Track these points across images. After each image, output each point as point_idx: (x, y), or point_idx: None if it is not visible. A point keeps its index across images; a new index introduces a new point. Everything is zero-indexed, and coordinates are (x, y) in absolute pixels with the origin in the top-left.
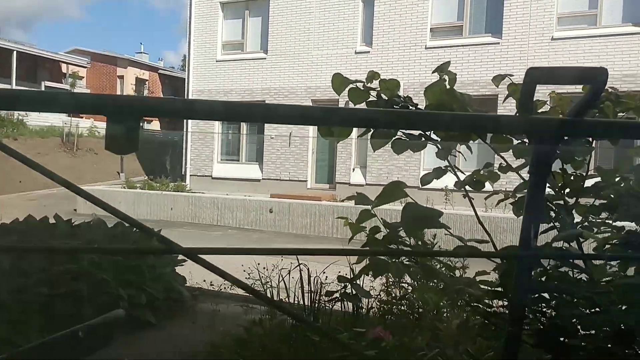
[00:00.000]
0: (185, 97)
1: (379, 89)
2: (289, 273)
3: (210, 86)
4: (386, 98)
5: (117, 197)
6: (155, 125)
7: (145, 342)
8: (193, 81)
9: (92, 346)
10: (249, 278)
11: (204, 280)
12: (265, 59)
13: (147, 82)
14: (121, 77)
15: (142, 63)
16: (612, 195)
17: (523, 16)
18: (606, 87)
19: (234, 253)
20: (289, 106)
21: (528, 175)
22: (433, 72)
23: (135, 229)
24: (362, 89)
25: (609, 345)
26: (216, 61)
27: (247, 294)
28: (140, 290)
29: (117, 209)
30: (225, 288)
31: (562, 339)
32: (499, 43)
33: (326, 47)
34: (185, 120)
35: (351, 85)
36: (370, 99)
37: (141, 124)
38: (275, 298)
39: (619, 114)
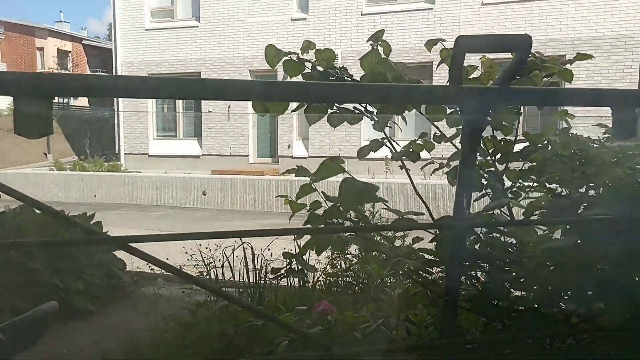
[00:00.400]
0: (114, 70)
1: (314, 59)
2: (233, 252)
3: (140, 57)
4: (322, 69)
5: (45, 180)
6: (83, 101)
7: (82, 332)
8: (121, 52)
9: (16, 346)
10: (190, 260)
11: (147, 264)
12: (197, 27)
13: (70, 54)
14: (41, 48)
15: (64, 33)
16: (539, 160)
17: None
18: (531, 52)
19: (168, 239)
20: (227, 81)
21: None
22: (367, 41)
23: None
24: (297, 60)
25: (536, 306)
26: (145, 30)
27: (198, 275)
28: (77, 277)
29: (27, 195)
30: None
31: (495, 302)
32: (432, 9)
33: (261, 14)
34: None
35: (285, 57)
36: (305, 71)
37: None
38: (220, 278)
39: (544, 79)
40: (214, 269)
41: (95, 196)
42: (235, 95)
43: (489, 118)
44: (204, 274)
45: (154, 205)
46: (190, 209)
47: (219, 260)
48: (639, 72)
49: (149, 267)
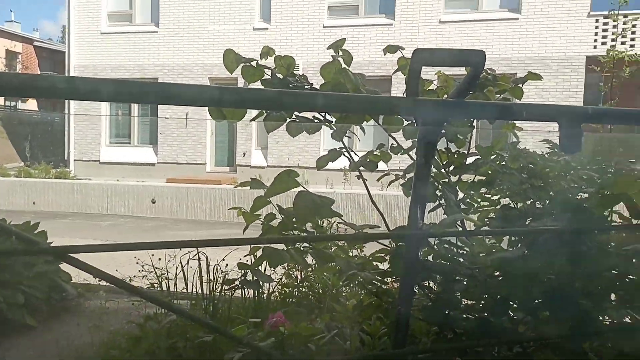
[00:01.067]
0: (67, 73)
1: (274, 66)
2: (188, 263)
3: (95, 61)
4: (281, 76)
5: None
6: (32, 104)
7: (21, 348)
8: (75, 55)
9: None
10: (142, 271)
11: (94, 277)
12: (157, 32)
13: (20, 56)
14: None
15: (14, 33)
16: (489, 172)
17: None
18: (485, 69)
19: (112, 250)
20: (186, 86)
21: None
22: (328, 49)
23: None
24: (256, 66)
25: (486, 315)
26: (101, 33)
27: (144, 288)
28: (16, 290)
29: None
30: (124, 279)
31: (447, 311)
32: (392, 24)
33: (223, 22)
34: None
35: (244, 63)
36: (265, 78)
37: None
38: (173, 290)
39: (496, 95)
40: (167, 280)
41: (34, 203)
42: (180, 100)
43: (443, 130)
44: (155, 285)
45: (104, 214)
46: (143, 218)
47: (173, 271)
48: (583, 92)
49: (97, 279)
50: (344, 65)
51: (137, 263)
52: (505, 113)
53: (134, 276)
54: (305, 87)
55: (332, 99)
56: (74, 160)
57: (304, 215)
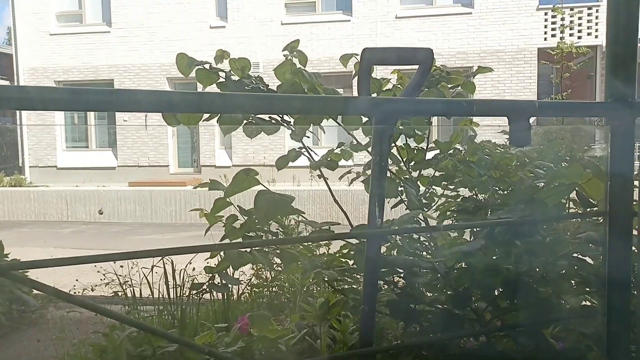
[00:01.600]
0: (16, 77)
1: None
2: (152, 268)
3: (45, 64)
4: (237, 79)
5: None
6: None
7: None
8: (23, 58)
9: None
10: (104, 279)
11: (54, 285)
12: (109, 32)
13: None
14: None
15: None
16: (449, 167)
17: None
18: (438, 65)
19: (58, 264)
20: (142, 91)
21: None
22: (283, 51)
23: None
24: (210, 69)
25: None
26: (50, 34)
27: (109, 295)
28: None
29: None
30: (80, 292)
31: (412, 305)
32: (349, 20)
33: (178, 20)
34: None
35: (198, 67)
36: (220, 80)
37: None
38: (137, 296)
39: (450, 90)
40: (131, 288)
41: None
42: (139, 106)
43: (401, 127)
44: (119, 293)
45: (64, 221)
46: (106, 223)
47: (136, 277)
48: (537, 83)
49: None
50: (299, 66)
51: (99, 272)
52: (456, 109)
53: (96, 285)
54: (261, 88)
55: (289, 101)
56: (30, 166)
57: (264, 214)
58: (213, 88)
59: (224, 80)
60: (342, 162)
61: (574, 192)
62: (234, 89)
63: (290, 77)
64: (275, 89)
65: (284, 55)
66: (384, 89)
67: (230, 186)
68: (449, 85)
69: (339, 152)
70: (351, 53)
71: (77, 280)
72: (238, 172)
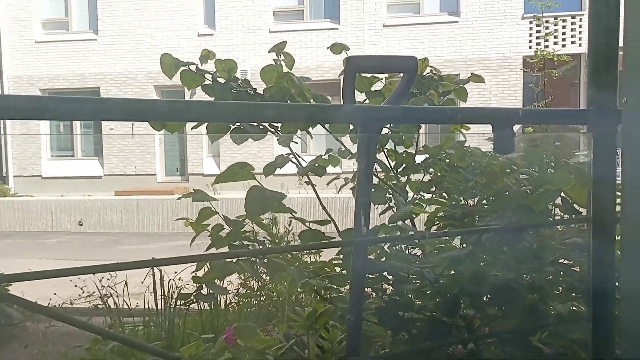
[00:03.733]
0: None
1: (215, 71)
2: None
3: (30, 72)
4: (223, 81)
5: None
6: None
7: None
8: (7, 66)
9: None
10: (83, 292)
11: (37, 296)
12: (96, 40)
13: None
14: None
15: None
16: (438, 173)
17: (357, 2)
18: (431, 70)
19: (41, 277)
20: (121, 100)
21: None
22: (269, 52)
23: None
24: (196, 71)
25: (437, 314)
26: (35, 42)
27: (88, 309)
28: None
29: None
30: (59, 304)
31: (400, 313)
32: (337, 28)
33: (166, 28)
34: None
35: (183, 68)
36: (206, 83)
37: None
38: (124, 307)
39: (440, 98)
40: (114, 298)
41: None
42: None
43: (390, 133)
44: (99, 306)
45: (49, 232)
46: (92, 233)
47: (118, 288)
48: (522, 91)
49: (46, 300)
50: (286, 69)
51: (76, 286)
52: (441, 117)
53: (75, 299)
54: (248, 91)
55: (274, 109)
56: (14, 176)
57: (254, 210)
58: (198, 90)
59: (210, 82)
60: (330, 169)
61: (559, 198)
62: (220, 92)
63: (279, 80)
64: (262, 93)
65: (274, 60)
66: (372, 90)
67: (223, 174)
68: (440, 91)
69: (327, 159)
70: (341, 44)
71: (55, 293)
72: (234, 164)
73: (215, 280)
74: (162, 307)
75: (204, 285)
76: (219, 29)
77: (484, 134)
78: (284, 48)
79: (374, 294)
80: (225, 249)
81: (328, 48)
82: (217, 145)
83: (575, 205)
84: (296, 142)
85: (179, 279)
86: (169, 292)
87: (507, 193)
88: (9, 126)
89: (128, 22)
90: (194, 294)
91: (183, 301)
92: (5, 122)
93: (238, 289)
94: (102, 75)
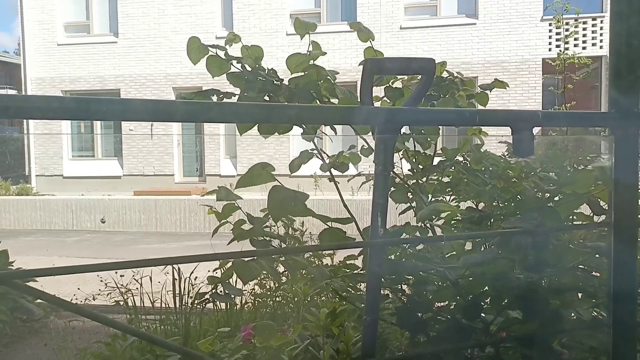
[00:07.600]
0: (23, 86)
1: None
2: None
3: (52, 73)
4: (250, 68)
5: None
6: None
7: None
8: (30, 68)
9: None
10: (105, 288)
11: (58, 293)
12: (116, 42)
13: None
14: None
15: None
16: (454, 175)
17: (374, 4)
18: (454, 73)
19: (61, 273)
20: (146, 101)
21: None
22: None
23: None
24: (224, 57)
25: (457, 316)
26: (58, 45)
27: (109, 305)
28: None
29: None
30: (81, 300)
31: (419, 314)
32: (354, 31)
33: (184, 31)
34: None
35: (211, 53)
36: (232, 71)
37: None
38: (141, 305)
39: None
40: (132, 297)
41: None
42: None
43: (411, 134)
44: (121, 302)
45: (69, 230)
46: (111, 232)
47: (139, 286)
48: (541, 94)
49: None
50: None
51: (102, 281)
52: (459, 119)
53: (97, 294)
54: (275, 82)
55: (290, 110)
56: (36, 175)
57: (277, 211)
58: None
59: (237, 70)
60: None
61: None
62: (248, 80)
63: (310, 71)
64: (287, 82)
65: (308, 51)
66: (392, 85)
67: (245, 177)
68: (465, 94)
69: (348, 156)
70: (367, 27)
71: (78, 289)
72: (254, 165)
73: (231, 281)
74: (179, 306)
75: (219, 285)
76: (236, 31)
77: (502, 136)
78: (315, 29)
79: (390, 295)
80: (246, 246)
81: (353, 29)
82: (234, 147)
83: (604, 206)
84: (321, 138)
85: (195, 278)
86: (187, 291)
87: (523, 197)
88: (32, 126)
89: (147, 25)
90: (210, 293)
91: (198, 300)
92: (28, 122)
93: (254, 289)
94: (122, 77)
